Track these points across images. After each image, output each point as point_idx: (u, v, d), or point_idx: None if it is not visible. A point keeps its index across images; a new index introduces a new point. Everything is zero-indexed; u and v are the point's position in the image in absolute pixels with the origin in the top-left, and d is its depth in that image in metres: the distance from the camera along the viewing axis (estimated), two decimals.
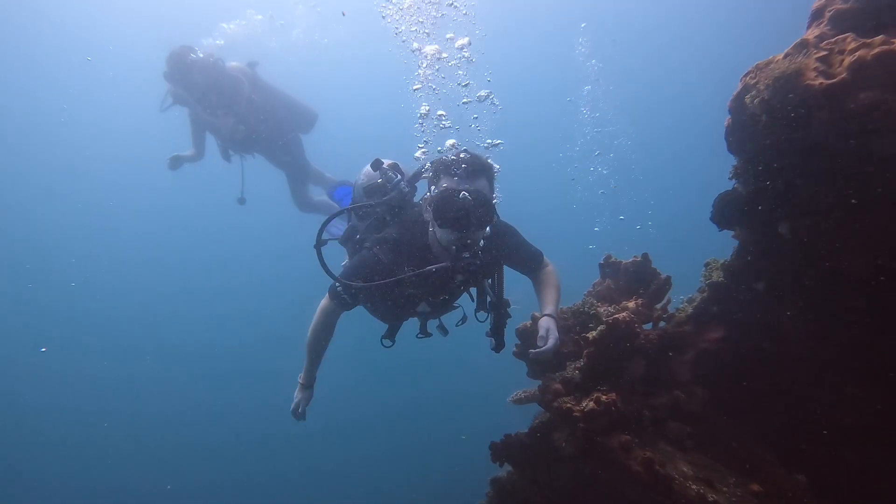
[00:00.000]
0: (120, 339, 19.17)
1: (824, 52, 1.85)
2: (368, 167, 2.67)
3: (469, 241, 2.22)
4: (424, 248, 2.41)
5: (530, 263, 2.70)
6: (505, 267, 2.72)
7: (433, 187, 2.31)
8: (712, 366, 2.68)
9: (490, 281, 2.66)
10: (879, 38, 1.72)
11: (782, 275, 2.38)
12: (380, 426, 14.14)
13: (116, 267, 21.79)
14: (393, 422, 14.18)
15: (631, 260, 2.91)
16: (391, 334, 2.91)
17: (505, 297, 2.64)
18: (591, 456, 2.41)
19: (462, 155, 2.25)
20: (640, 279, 2.88)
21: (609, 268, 2.95)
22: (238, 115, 5.07)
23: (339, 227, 3.47)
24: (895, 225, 1.89)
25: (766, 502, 2.44)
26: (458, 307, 2.83)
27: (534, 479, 2.73)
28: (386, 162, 2.67)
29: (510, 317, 2.67)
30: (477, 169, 2.24)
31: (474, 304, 2.72)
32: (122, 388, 16.99)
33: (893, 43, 1.69)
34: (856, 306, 2.26)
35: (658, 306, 2.81)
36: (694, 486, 2.34)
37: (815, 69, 1.83)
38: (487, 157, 2.38)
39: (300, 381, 2.80)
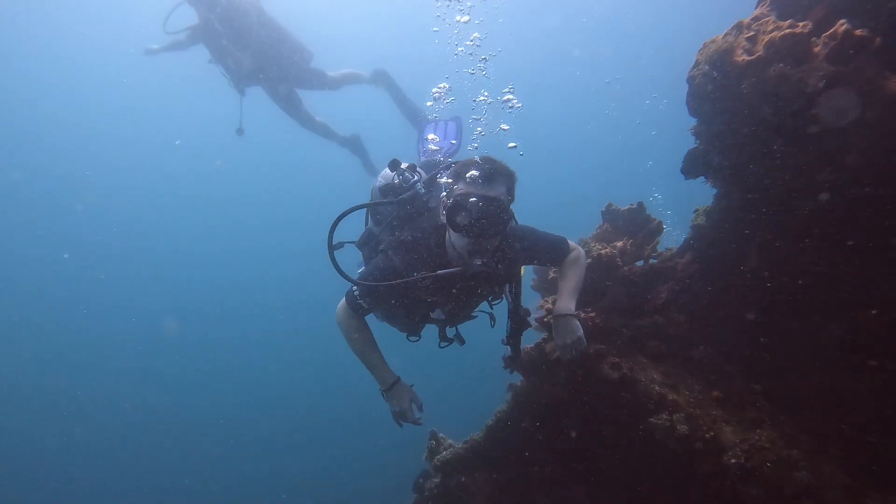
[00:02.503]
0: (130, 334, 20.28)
1: (752, 33, 2.22)
2: (387, 168, 2.66)
3: (483, 248, 2.20)
4: (439, 253, 2.37)
5: (554, 255, 2.66)
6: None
7: (450, 191, 2.24)
8: (690, 295, 3.14)
9: (508, 287, 2.62)
10: (787, 21, 2.09)
11: (743, 215, 2.80)
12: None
13: (134, 262, 23.07)
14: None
15: (627, 207, 3.38)
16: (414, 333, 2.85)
17: (525, 305, 2.63)
18: (568, 363, 3.00)
19: (479, 161, 2.19)
20: (634, 224, 3.36)
21: (609, 214, 3.44)
22: (247, 47, 5.20)
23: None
24: (818, 162, 2.27)
25: (723, 405, 2.93)
26: (475, 317, 2.80)
27: (537, 382, 3.36)
28: (404, 164, 2.63)
29: (529, 325, 2.65)
30: (495, 175, 2.17)
31: (493, 311, 2.70)
32: (131, 383, 17.93)
33: (797, 26, 2.06)
34: (807, 235, 2.63)
35: (648, 246, 3.29)
36: (657, 388, 2.88)
37: (743, 47, 2.22)
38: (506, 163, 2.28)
39: (382, 390, 2.61)
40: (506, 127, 3.02)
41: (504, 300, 2.62)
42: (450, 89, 3.08)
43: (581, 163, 24.83)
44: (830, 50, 2.00)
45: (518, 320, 2.57)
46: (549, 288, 3.64)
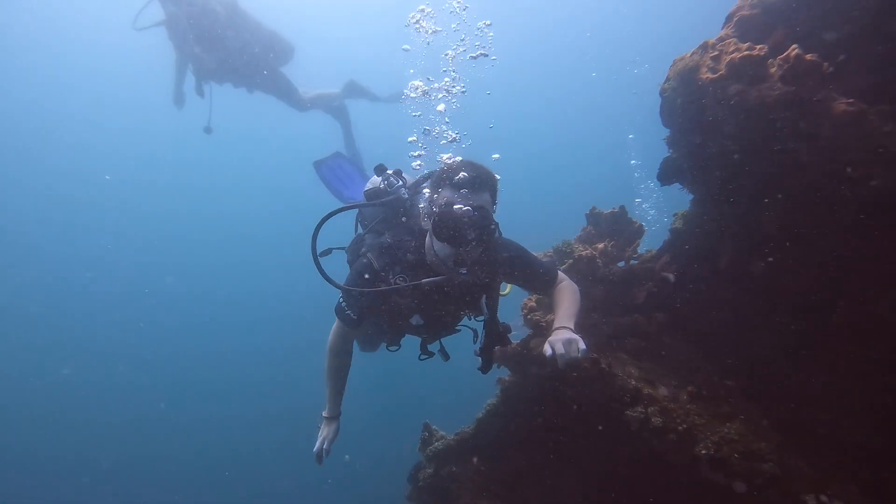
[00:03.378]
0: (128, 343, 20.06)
1: (716, 53, 2.36)
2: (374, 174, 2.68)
3: (467, 257, 2.19)
4: (420, 257, 2.37)
5: (544, 280, 2.61)
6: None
7: (433, 198, 2.25)
8: (668, 294, 3.30)
9: (485, 299, 2.57)
10: (746, 44, 2.23)
11: (714, 220, 2.95)
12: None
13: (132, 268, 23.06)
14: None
15: (609, 211, 3.53)
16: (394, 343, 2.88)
17: (504, 321, 2.63)
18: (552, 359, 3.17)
19: (463, 168, 2.17)
20: (617, 227, 3.51)
21: (592, 217, 3.59)
22: (213, 49, 5.15)
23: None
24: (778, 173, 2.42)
25: (697, 400, 3.09)
26: (458, 331, 2.80)
27: (524, 376, 3.54)
28: (390, 170, 2.65)
29: (508, 343, 2.68)
30: (480, 182, 2.15)
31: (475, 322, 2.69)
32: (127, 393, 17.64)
33: (755, 49, 2.20)
34: (772, 238, 2.78)
35: (629, 248, 3.44)
36: (633, 382, 3.04)
37: (708, 65, 2.36)
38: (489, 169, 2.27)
39: (324, 414, 2.77)
40: (496, 156, 3.10)
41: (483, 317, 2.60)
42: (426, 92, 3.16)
43: (567, 166, 25.08)
44: (784, 72, 2.14)
45: (493, 334, 2.56)
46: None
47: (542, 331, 3.24)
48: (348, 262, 2.82)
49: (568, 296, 2.56)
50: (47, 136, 23.62)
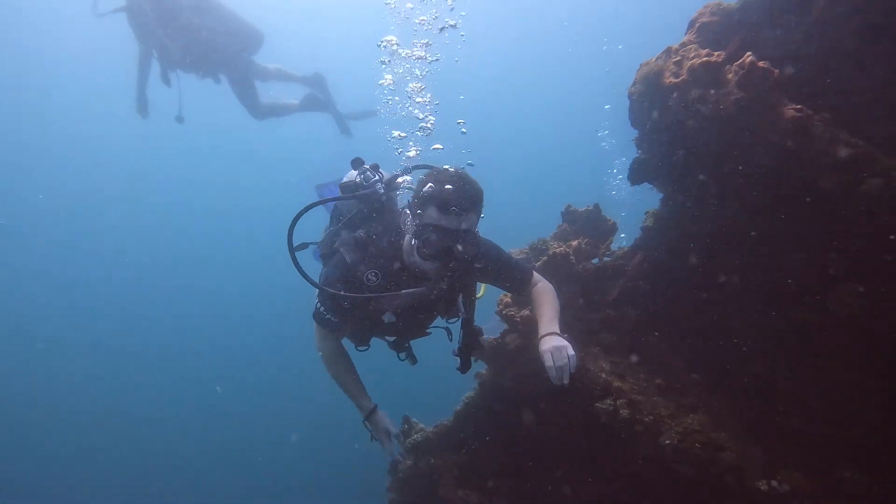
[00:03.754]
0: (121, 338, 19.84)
1: (679, 58, 2.47)
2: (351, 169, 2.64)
3: (450, 273, 2.21)
4: (393, 254, 2.35)
5: (519, 280, 2.62)
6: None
7: (420, 214, 2.16)
8: (639, 289, 3.41)
9: (462, 299, 2.57)
10: (706, 50, 2.34)
11: (682, 218, 3.06)
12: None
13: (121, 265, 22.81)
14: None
15: (584, 209, 3.64)
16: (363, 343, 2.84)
17: (476, 324, 2.62)
18: (526, 350, 3.28)
19: (451, 185, 2.09)
20: (591, 224, 3.61)
21: (568, 215, 3.70)
22: (177, 36, 5.01)
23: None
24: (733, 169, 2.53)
25: (664, 392, 3.20)
26: (430, 333, 2.80)
27: (501, 370, 3.64)
28: (367, 165, 2.62)
29: (481, 346, 2.66)
30: (469, 204, 2.11)
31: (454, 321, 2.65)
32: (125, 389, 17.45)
33: (713, 55, 2.31)
34: (739, 235, 2.89)
35: (603, 245, 3.55)
36: (604, 376, 3.15)
37: (671, 70, 2.46)
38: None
39: (364, 420, 2.63)
40: (471, 162, 3.03)
41: (459, 317, 2.58)
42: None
43: (546, 163, 25.30)
44: (740, 78, 2.24)
45: (469, 331, 2.54)
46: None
47: (516, 326, 3.33)
48: (321, 255, 2.77)
49: (548, 298, 2.57)
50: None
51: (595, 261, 3.57)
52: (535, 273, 2.69)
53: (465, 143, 3.24)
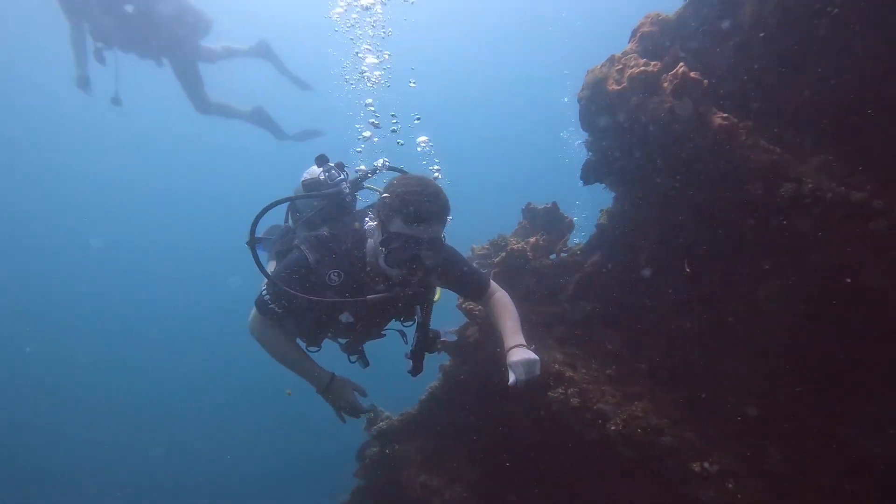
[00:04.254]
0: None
1: (621, 66, 2.63)
2: (314, 165, 2.64)
3: (414, 280, 2.23)
4: (357, 255, 2.34)
5: (476, 288, 2.66)
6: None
7: (386, 222, 2.14)
8: (593, 285, 3.59)
9: (420, 303, 2.55)
10: (643, 60, 2.51)
11: (633, 215, 3.24)
12: None
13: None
14: None
15: (543, 206, 3.80)
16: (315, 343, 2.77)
17: (433, 328, 2.60)
18: (485, 343, 3.44)
19: (417, 196, 2.07)
20: (550, 221, 3.78)
21: (528, 212, 3.86)
22: (110, 9, 4.78)
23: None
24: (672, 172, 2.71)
25: (613, 382, 3.39)
26: (384, 335, 2.79)
27: (462, 361, 3.80)
28: (332, 162, 2.63)
29: (438, 349, 2.66)
30: (436, 215, 2.11)
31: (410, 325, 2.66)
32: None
33: (650, 65, 2.48)
34: (684, 230, 3.08)
35: (560, 242, 3.72)
36: (557, 366, 3.32)
37: (614, 78, 2.63)
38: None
39: (318, 391, 2.53)
40: (438, 172, 3.16)
41: (416, 320, 2.58)
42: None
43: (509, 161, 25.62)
44: (674, 87, 2.41)
45: (425, 339, 2.53)
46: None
47: (475, 319, 3.49)
48: (276, 252, 2.70)
49: (509, 308, 2.60)
50: None
51: (553, 256, 3.74)
52: (492, 282, 2.73)
53: (435, 142, 3.35)
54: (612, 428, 3.06)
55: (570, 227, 3.74)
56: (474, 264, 3.91)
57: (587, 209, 4.09)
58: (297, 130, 6.71)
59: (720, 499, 2.85)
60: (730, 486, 2.88)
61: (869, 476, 2.85)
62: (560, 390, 3.23)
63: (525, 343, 2.40)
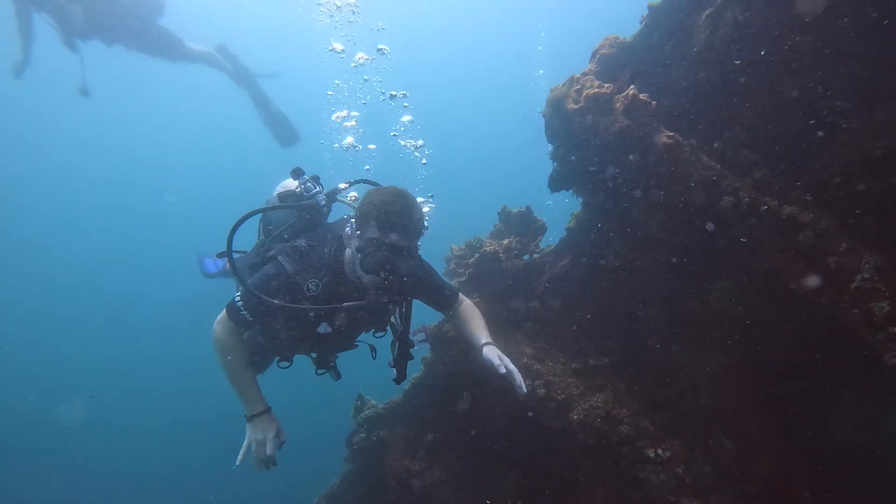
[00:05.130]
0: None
1: (579, 86, 2.85)
2: (288, 178, 2.70)
3: (391, 287, 2.26)
4: (335, 265, 2.39)
5: (447, 301, 2.75)
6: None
7: (363, 231, 2.23)
8: (561, 284, 3.83)
9: (398, 311, 2.66)
10: (597, 82, 2.73)
11: (599, 220, 3.47)
12: None
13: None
14: None
15: (517, 210, 4.03)
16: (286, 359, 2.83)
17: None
18: (461, 339, 3.69)
19: (394, 208, 2.17)
20: (523, 224, 4.01)
21: (503, 215, 4.09)
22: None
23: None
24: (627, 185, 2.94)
25: (579, 375, 3.64)
26: (357, 346, 2.82)
27: (442, 354, 4.05)
28: (307, 176, 2.69)
29: (411, 357, 2.69)
30: (412, 224, 2.20)
31: (381, 336, 2.74)
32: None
33: (604, 87, 2.69)
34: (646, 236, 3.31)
35: (532, 244, 3.95)
36: (526, 360, 3.57)
37: (572, 97, 2.84)
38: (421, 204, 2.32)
39: (246, 415, 2.41)
40: (430, 205, 3.38)
41: (388, 333, 2.72)
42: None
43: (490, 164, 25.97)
44: (625, 107, 2.63)
45: (405, 344, 2.62)
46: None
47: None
48: (249, 265, 2.67)
49: (477, 314, 2.78)
50: None
51: (526, 257, 3.98)
52: (460, 293, 2.88)
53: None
54: (574, 417, 3.32)
55: (542, 229, 3.97)
56: (451, 265, 4.18)
57: (562, 209, 4.30)
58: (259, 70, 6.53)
59: (670, 482, 3.13)
60: (680, 470, 3.15)
61: (810, 461, 3.13)
62: (527, 382, 3.48)
63: (493, 342, 2.58)
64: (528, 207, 3.99)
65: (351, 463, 4.74)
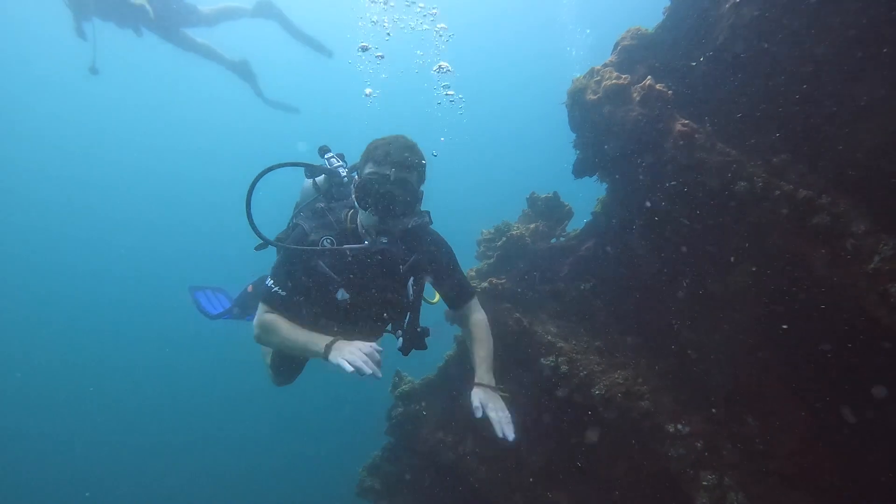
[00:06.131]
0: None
1: (598, 78, 2.95)
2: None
3: (391, 229, 2.26)
4: (350, 226, 2.43)
5: (459, 293, 2.68)
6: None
7: (361, 170, 2.30)
8: (586, 267, 3.97)
9: (411, 280, 2.57)
10: (615, 74, 2.83)
11: (624, 205, 3.59)
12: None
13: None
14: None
15: (545, 196, 4.18)
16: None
17: (424, 325, 2.57)
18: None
19: (392, 145, 2.23)
20: (550, 209, 4.16)
21: (531, 200, 4.24)
22: None
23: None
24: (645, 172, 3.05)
25: (602, 353, 3.80)
26: (382, 332, 2.71)
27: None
28: (332, 154, 2.73)
29: (424, 346, 2.59)
30: (405, 156, 2.22)
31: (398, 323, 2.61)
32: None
33: (621, 78, 2.80)
34: (668, 220, 3.42)
35: (559, 228, 4.10)
36: (549, 337, 3.76)
37: (592, 88, 2.96)
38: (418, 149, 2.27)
39: (322, 356, 2.23)
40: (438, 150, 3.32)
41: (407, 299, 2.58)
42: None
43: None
44: (641, 97, 2.73)
45: (415, 313, 2.57)
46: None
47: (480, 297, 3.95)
48: (276, 238, 2.66)
49: (485, 337, 2.64)
50: None
51: (553, 240, 4.13)
52: (475, 299, 2.78)
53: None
54: (596, 392, 3.49)
55: (568, 214, 4.11)
56: (481, 247, 4.38)
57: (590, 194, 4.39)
58: (276, 98, 6.88)
59: (689, 456, 3.26)
60: (699, 444, 3.28)
61: (834, 440, 3.19)
62: (551, 358, 3.67)
63: (493, 384, 2.46)
64: (555, 193, 4.13)
65: (391, 435, 5.05)
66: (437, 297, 2.97)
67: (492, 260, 4.01)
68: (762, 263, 2.99)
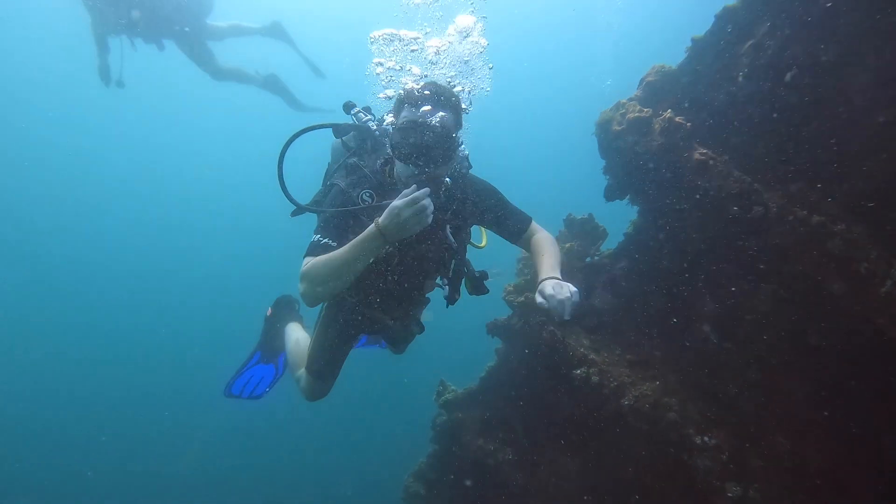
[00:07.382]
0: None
1: (623, 111, 3.24)
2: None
3: (430, 177, 2.16)
4: (385, 179, 2.36)
5: (516, 226, 2.62)
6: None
7: (394, 120, 2.21)
8: (620, 284, 4.20)
9: (453, 229, 2.47)
10: (638, 107, 3.11)
11: (654, 226, 3.83)
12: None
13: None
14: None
15: (581, 217, 4.45)
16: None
17: (481, 269, 2.60)
18: (525, 331, 4.20)
19: (424, 86, 2.15)
20: (586, 229, 4.43)
21: (568, 221, 4.51)
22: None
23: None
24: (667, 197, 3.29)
25: (633, 366, 3.99)
26: (430, 293, 2.69)
27: (511, 345, 4.59)
28: (358, 108, 2.62)
29: (485, 290, 2.60)
30: (440, 100, 2.12)
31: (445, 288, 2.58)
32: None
33: (644, 111, 3.07)
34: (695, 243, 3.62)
35: (593, 247, 4.36)
36: (581, 350, 4.00)
37: (617, 120, 3.24)
38: (455, 86, 2.36)
39: (382, 240, 2.08)
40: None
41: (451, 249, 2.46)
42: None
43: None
44: (661, 128, 2.99)
45: (459, 261, 2.49)
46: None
47: (516, 311, 4.26)
48: (313, 202, 2.60)
49: (549, 247, 2.57)
50: None
51: (588, 259, 4.39)
52: (534, 222, 2.70)
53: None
54: (626, 403, 3.70)
55: (603, 234, 4.36)
56: (520, 265, 4.69)
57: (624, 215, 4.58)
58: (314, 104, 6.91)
59: (715, 467, 3.41)
60: (724, 457, 3.42)
61: (864, 460, 3.25)
62: (583, 369, 3.91)
63: (559, 276, 2.36)
64: (590, 215, 4.40)
65: (435, 443, 5.38)
66: (485, 241, 2.92)
67: (528, 277, 4.30)
68: (783, 285, 3.14)
